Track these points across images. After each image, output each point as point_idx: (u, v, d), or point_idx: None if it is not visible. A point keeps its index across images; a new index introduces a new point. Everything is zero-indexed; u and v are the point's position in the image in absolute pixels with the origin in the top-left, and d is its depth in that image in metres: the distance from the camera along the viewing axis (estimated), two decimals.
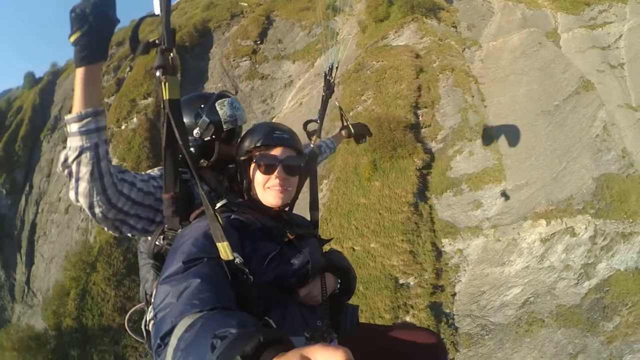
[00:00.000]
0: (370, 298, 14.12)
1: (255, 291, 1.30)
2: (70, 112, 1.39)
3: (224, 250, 1.23)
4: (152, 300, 1.30)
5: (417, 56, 19.88)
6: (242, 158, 1.64)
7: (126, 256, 16.16)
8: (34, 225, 25.08)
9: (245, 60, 25.20)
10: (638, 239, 16.43)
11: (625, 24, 30.84)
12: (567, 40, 29.22)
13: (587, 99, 22.77)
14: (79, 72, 1.35)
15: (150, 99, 21.14)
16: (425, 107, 18.05)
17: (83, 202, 1.46)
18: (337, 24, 24.93)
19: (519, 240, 17.26)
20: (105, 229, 1.63)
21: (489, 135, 17.38)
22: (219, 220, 1.27)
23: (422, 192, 17.20)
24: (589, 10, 31.83)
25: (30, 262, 23.95)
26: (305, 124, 2.60)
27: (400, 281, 14.54)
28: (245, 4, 28.77)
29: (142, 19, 1.41)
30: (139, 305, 1.84)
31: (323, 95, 2.76)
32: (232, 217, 1.45)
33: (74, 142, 1.38)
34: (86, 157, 1.38)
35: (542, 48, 25.98)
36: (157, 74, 1.34)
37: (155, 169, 1.82)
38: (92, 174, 1.40)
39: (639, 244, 16.31)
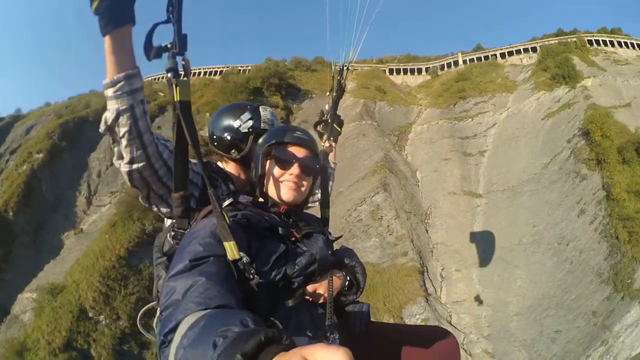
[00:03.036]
0: None
1: (261, 290, 1.31)
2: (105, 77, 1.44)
3: (231, 249, 1.24)
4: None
5: None
6: (261, 151, 1.67)
7: None
8: None
9: None
10: None
11: (504, 112, 32.06)
12: (420, 132, 31.31)
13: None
14: (106, 40, 1.37)
15: None
16: None
17: (126, 157, 1.52)
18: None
19: None
20: (140, 196, 1.70)
21: None
22: (226, 219, 1.29)
23: None
24: (463, 103, 33.74)
25: None
26: (316, 124, 2.65)
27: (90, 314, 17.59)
28: (162, 94, 36.85)
29: (155, 26, 1.40)
30: (152, 303, 1.87)
31: (334, 96, 2.74)
32: (239, 215, 1.44)
33: (111, 106, 1.45)
34: (123, 118, 1.45)
35: (364, 139, 28.80)
36: (169, 76, 1.39)
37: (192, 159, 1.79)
38: (130, 132, 1.47)
39: None
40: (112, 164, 30.16)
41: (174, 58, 1.38)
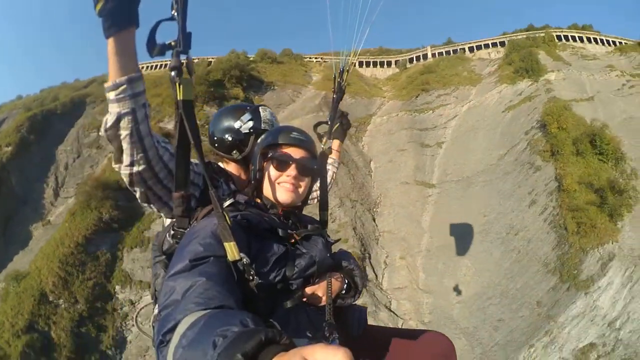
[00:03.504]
0: None
1: (261, 291, 1.30)
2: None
3: (231, 250, 1.23)
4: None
5: None
6: (260, 153, 1.67)
7: None
8: None
9: (94, 132, 31.43)
10: None
11: (466, 105, 31.57)
12: (379, 124, 30.74)
13: None
14: (109, 42, 1.33)
15: None
16: None
17: (125, 160, 1.51)
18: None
19: None
20: (139, 195, 1.67)
21: None
22: (226, 220, 1.27)
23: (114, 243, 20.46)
24: (425, 96, 33.24)
25: None
26: (316, 125, 2.63)
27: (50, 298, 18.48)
28: None
29: (158, 23, 1.38)
30: (149, 302, 1.87)
31: (333, 98, 2.74)
32: (240, 216, 1.43)
33: (113, 109, 1.43)
34: (125, 121, 1.43)
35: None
36: (172, 74, 1.37)
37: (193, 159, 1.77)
38: (131, 135, 1.45)
39: None
40: (79, 156, 29.68)
41: (177, 57, 1.37)
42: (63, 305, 18.59)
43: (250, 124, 2.07)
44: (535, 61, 31.51)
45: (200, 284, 1.09)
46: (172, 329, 0.97)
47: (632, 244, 18.97)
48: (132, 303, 19.30)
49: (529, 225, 21.34)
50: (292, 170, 1.61)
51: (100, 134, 1.53)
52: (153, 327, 1.60)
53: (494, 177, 25.05)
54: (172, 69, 1.37)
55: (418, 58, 39.70)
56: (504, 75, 32.60)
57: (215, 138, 2.11)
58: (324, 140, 2.49)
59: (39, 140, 30.05)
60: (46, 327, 17.91)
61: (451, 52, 39.33)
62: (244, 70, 34.17)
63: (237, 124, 2.07)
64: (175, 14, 1.36)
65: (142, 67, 44.72)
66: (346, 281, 1.63)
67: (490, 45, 38.59)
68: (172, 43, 1.38)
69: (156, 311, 1.60)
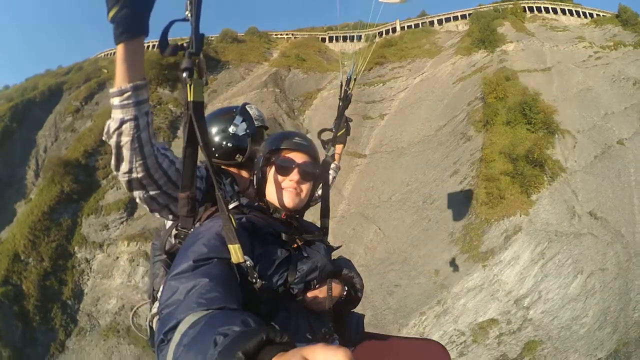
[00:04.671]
0: None
1: (262, 294, 1.32)
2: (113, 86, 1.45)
3: (235, 252, 1.24)
4: (159, 296, 1.34)
5: None
6: (263, 158, 1.68)
7: None
8: None
9: (69, 117, 32.99)
10: None
11: (418, 77, 30.97)
12: (326, 98, 30.66)
13: None
14: (119, 48, 1.36)
15: None
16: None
17: (124, 167, 1.52)
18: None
19: (119, 258, 20.81)
20: (138, 199, 1.69)
21: None
22: (232, 222, 1.28)
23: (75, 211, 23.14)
24: (379, 69, 32.59)
25: None
26: (320, 132, 2.69)
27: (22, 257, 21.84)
28: (106, 70, 37.37)
29: (171, 23, 1.41)
30: (145, 301, 1.89)
31: (340, 106, 2.76)
32: (244, 219, 1.46)
33: (116, 115, 1.45)
34: (127, 127, 1.45)
35: (261, 106, 28.44)
36: (184, 75, 1.36)
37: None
38: (132, 142, 1.47)
39: None
40: (56, 139, 31.51)
41: (190, 58, 1.37)
42: (32, 263, 22.08)
43: (245, 125, 2.10)
44: (491, 31, 30.40)
45: (203, 285, 1.10)
46: (174, 328, 0.98)
47: (549, 218, 18.52)
48: (87, 261, 22.83)
49: (446, 195, 21.09)
50: (294, 175, 1.63)
51: (103, 139, 1.54)
52: (150, 326, 1.65)
53: (428, 147, 24.65)
54: (184, 70, 1.36)
55: (388, 32, 38.85)
56: (462, 47, 31.66)
57: (214, 147, 2.10)
58: (327, 147, 2.58)
59: (20, 127, 32.55)
60: (18, 281, 21.39)
61: (420, 25, 38.25)
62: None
63: (231, 129, 2.08)
64: (189, 15, 1.37)
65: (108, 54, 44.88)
66: (346, 288, 1.65)
67: (460, 18, 37.07)
68: (185, 44, 1.39)
69: (154, 310, 1.65)
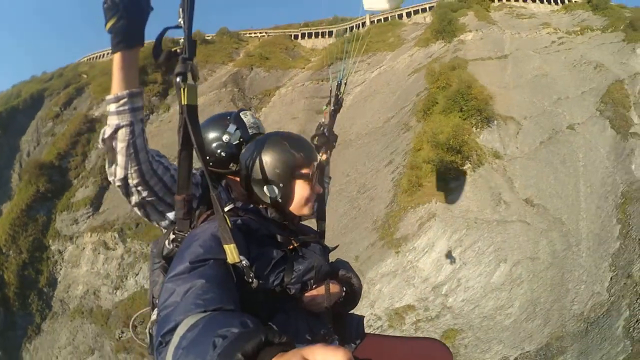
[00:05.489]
0: None
1: (259, 295, 1.33)
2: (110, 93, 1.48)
3: (231, 252, 1.24)
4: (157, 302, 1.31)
5: None
6: (288, 174, 1.60)
7: None
8: None
9: (49, 122, 35.24)
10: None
11: (376, 70, 31.15)
12: (284, 95, 31.29)
13: None
14: (116, 57, 1.44)
15: None
16: None
17: (119, 173, 1.55)
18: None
19: (85, 248, 23.21)
20: (134, 205, 1.71)
21: None
22: (227, 222, 1.28)
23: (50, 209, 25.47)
24: (339, 64, 32.55)
25: None
26: (313, 137, 2.62)
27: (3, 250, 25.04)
28: (85, 75, 39.34)
29: (165, 30, 1.46)
30: (145, 309, 1.87)
31: (331, 110, 2.75)
32: (240, 221, 1.46)
33: (112, 121, 1.49)
34: (122, 133, 1.48)
35: (218, 105, 29.40)
36: (177, 80, 1.38)
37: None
38: (127, 148, 1.50)
39: None
40: (38, 144, 33.78)
41: (183, 63, 1.40)
42: (12, 255, 24.89)
43: (238, 133, 2.07)
44: (448, 22, 30.23)
45: (199, 286, 1.10)
46: (172, 330, 0.99)
47: (469, 205, 18.26)
48: (60, 252, 25.48)
49: (378, 184, 21.33)
50: (317, 186, 1.68)
51: (98, 145, 1.60)
52: (150, 333, 1.63)
53: (372, 139, 24.99)
54: (177, 75, 1.38)
55: (358, 26, 39.03)
56: (422, 39, 31.65)
57: (208, 157, 2.03)
58: (321, 152, 2.61)
59: (5, 134, 35.02)
60: (0, 271, 24.29)
61: (389, 18, 38.23)
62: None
63: (225, 138, 2.04)
64: (182, 22, 1.41)
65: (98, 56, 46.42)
66: (344, 289, 1.66)
67: (428, 9, 36.94)
68: (178, 50, 1.43)
69: (153, 317, 1.63)
